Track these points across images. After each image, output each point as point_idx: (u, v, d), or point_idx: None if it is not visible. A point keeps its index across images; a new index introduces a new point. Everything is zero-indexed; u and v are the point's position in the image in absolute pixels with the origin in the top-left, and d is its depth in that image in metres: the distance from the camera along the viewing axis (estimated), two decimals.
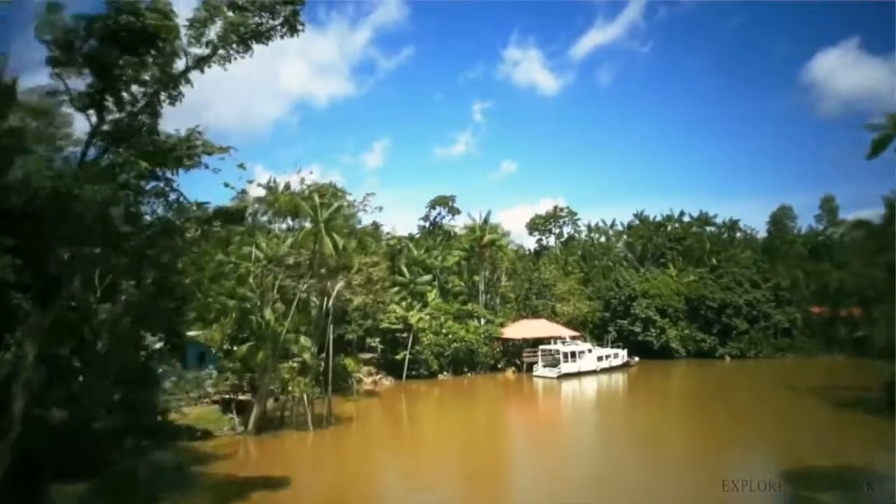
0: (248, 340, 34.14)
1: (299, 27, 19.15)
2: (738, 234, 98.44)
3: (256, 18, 18.73)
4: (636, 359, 69.30)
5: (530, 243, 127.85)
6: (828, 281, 77.42)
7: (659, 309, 73.74)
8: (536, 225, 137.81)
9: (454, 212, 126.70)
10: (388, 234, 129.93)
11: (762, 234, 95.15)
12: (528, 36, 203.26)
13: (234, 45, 18.90)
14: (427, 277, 68.60)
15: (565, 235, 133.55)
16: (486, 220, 70.54)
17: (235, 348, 34.44)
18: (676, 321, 74.79)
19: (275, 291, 35.61)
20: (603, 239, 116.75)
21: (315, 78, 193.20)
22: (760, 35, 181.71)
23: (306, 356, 34.83)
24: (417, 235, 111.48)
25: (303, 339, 35.13)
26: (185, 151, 19.63)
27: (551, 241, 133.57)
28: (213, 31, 18.67)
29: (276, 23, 18.97)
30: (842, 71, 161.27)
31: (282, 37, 19.41)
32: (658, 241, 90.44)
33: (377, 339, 57.33)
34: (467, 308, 64.38)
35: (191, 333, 39.09)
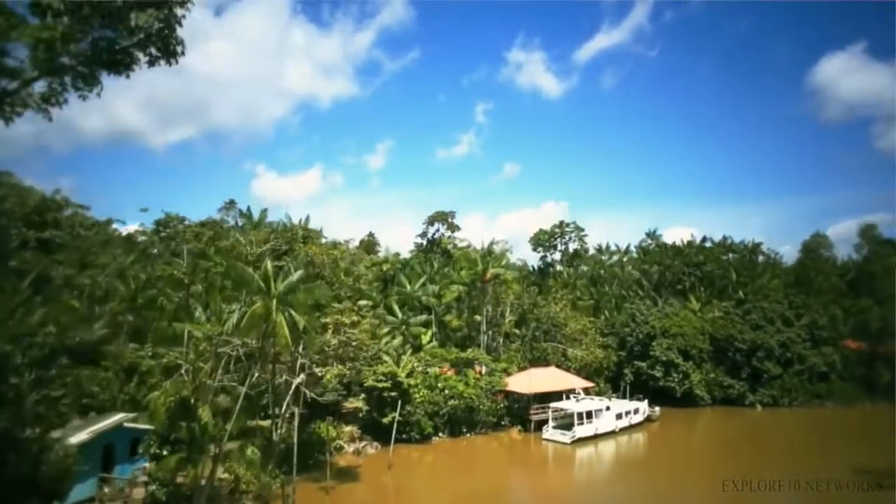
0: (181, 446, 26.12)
1: (178, 51, 11.25)
2: (761, 258, 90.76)
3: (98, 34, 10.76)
4: (657, 410, 61.14)
5: (533, 255, 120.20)
6: (868, 318, 69.73)
7: (681, 350, 65.69)
8: (541, 241, 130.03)
9: (454, 228, 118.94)
10: (380, 252, 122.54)
11: (781, 251, 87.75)
12: (532, 39, 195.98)
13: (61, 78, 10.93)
14: (422, 318, 60.53)
15: (571, 251, 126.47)
16: (489, 251, 62.37)
17: (165, 453, 26.43)
18: (700, 363, 66.76)
19: (216, 380, 27.69)
20: (615, 259, 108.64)
21: (319, 78, 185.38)
22: (766, 39, 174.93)
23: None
24: (413, 255, 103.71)
25: (250, 451, 27.20)
26: None
27: (556, 255, 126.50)
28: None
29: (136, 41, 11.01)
30: (847, 75, 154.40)
31: (150, 64, 11.49)
32: (676, 266, 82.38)
33: (361, 398, 49.15)
34: (466, 355, 56.16)
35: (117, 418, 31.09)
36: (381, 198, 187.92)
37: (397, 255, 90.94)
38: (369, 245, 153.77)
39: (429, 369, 53.03)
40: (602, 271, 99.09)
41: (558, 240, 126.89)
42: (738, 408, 65.02)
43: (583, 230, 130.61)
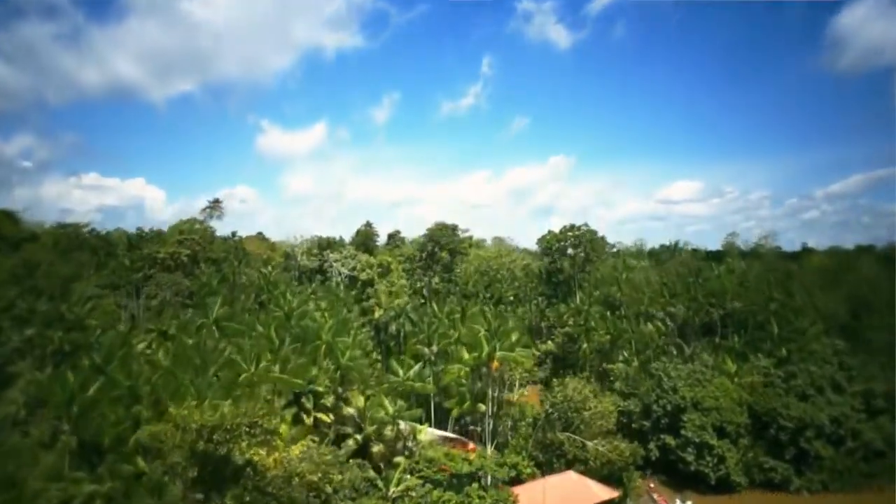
0: None
1: None
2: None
3: None
4: None
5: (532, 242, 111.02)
6: None
7: (716, 427, 57.20)
8: (550, 244, 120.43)
9: (456, 251, 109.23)
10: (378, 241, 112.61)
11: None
12: None
13: None
14: (417, 412, 51.88)
15: (583, 255, 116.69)
16: (495, 334, 52.76)
17: None
18: (737, 439, 58.36)
19: None
20: (632, 277, 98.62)
21: (323, 30, 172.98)
22: None
23: None
24: (411, 295, 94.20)
25: None
26: None
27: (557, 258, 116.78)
28: None
29: None
30: (870, 22, 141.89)
31: None
32: (706, 306, 72.87)
33: None
34: (470, 465, 47.65)
35: None
36: (387, 153, 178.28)
37: (392, 292, 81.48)
38: (367, 236, 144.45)
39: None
40: (619, 294, 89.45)
41: (568, 244, 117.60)
42: (782, 493, 56.97)
43: (595, 232, 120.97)
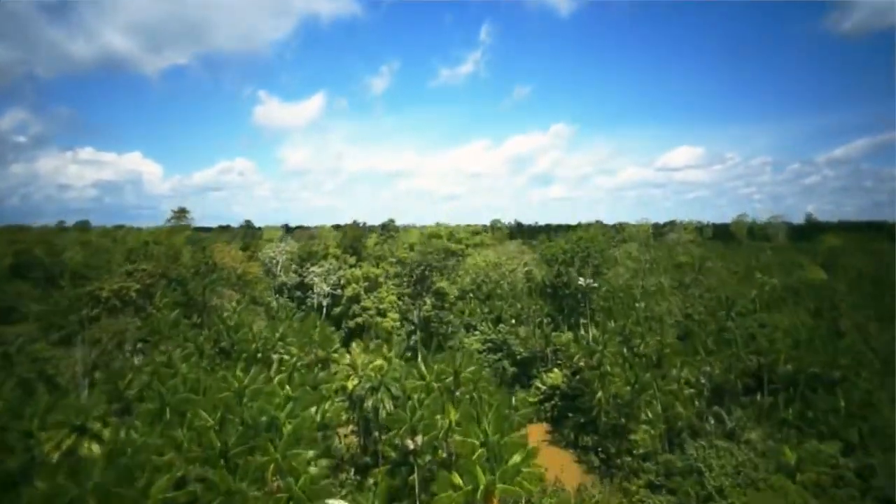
0: None
1: None
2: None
3: None
4: None
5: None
6: None
7: None
8: (556, 256, 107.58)
9: (451, 269, 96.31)
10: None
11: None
12: None
13: None
14: None
15: (591, 268, 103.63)
16: (493, 454, 40.05)
17: None
18: None
19: None
20: (654, 307, 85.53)
21: None
22: None
23: None
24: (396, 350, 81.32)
25: None
26: None
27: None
28: None
29: None
30: None
31: None
32: (749, 363, 60.21)
33: None
34: None
35: None
36: (385, 122, 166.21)
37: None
38: (355, 237, 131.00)
39: None
40: (638, 326, 76.68)
41: (576, 257, 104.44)
42: None
43: (605, 249, 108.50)
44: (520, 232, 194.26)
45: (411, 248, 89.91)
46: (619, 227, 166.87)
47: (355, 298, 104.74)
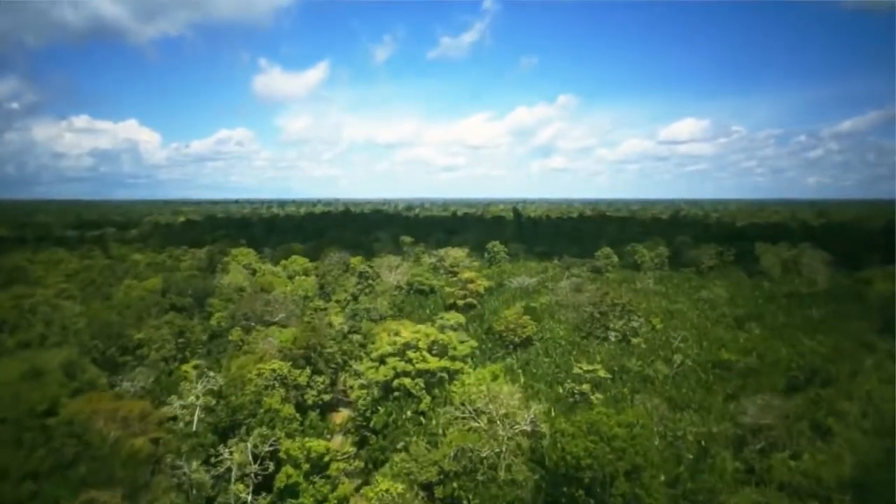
0: None
1: None
2: None
3: None
4: None
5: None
6: None
7: None
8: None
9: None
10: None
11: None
12: None
13: None
14: None
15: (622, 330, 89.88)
16: None
17: None
18: None
19: None
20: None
21: None
22: None
23: None
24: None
25: None
26: None
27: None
28: None
29: None
30: None
31: None
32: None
33: None
34: None
35: None
36: (386, 90, 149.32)
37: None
38: (309, 341, 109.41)
39: None
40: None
41: (608, 321, 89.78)
42: None
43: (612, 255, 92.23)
44: (520, 234, 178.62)
45: (382, 361, 47.51)
46: None
47: None
